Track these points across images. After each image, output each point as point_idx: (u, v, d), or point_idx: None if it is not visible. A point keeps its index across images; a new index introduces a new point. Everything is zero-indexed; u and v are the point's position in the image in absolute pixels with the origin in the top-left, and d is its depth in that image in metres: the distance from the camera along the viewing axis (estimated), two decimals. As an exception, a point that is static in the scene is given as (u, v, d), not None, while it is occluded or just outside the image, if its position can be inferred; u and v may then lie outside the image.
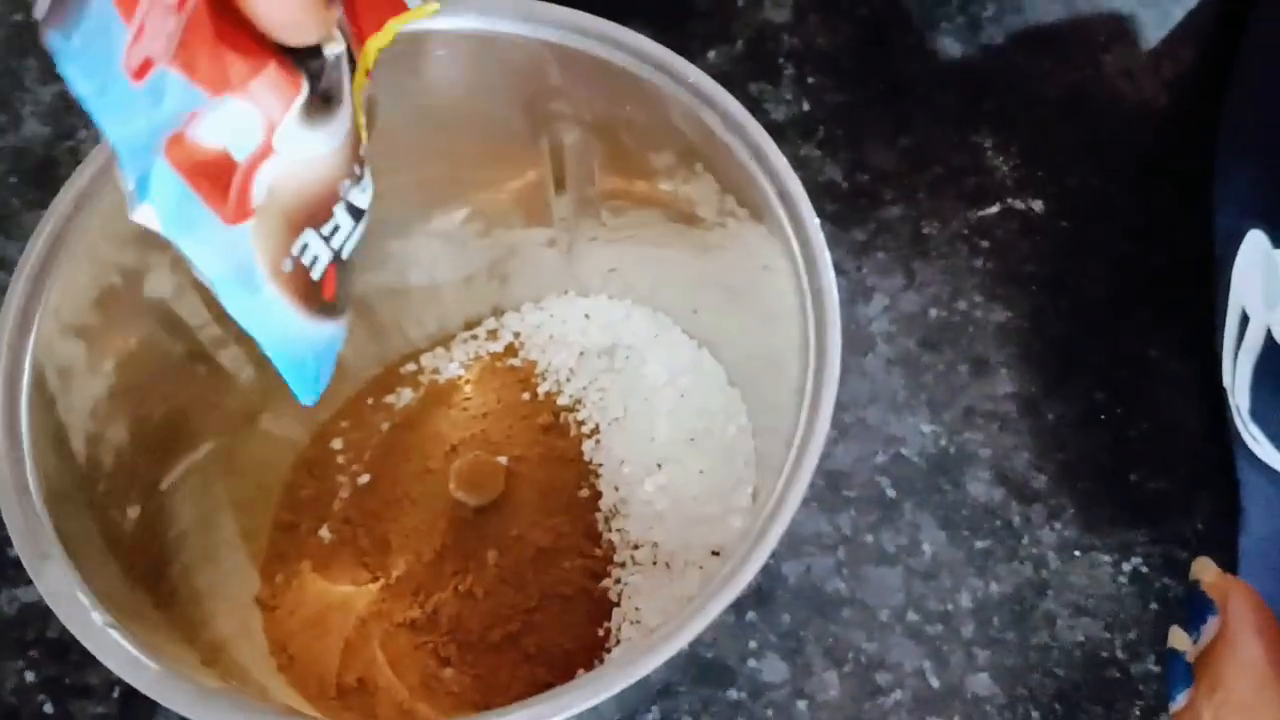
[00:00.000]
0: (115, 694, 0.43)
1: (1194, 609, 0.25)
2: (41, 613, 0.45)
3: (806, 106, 0.55)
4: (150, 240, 0.33)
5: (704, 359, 0.41)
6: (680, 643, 0.26)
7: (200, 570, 0.37)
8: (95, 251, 0.32)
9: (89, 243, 0.32)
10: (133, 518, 0.34)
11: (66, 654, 0.44)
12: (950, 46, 0.57)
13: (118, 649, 0.27)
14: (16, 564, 0.45)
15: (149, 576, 0.35)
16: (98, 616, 0.27)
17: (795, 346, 0.31)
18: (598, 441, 0.40)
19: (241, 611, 0.38)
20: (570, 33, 0.33)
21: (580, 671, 0.36)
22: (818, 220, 0.31)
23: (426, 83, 0.35)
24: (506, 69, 0.34)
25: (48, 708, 0.43)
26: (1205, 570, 0.26)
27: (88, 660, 0.42)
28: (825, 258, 0.30)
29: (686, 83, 0.32)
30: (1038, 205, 0.53)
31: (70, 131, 0.55)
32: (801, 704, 0.43)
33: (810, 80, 0.56)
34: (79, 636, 0.27)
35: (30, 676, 0.44)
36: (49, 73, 0.56)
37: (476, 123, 0.37)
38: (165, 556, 0.36)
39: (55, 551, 0.28)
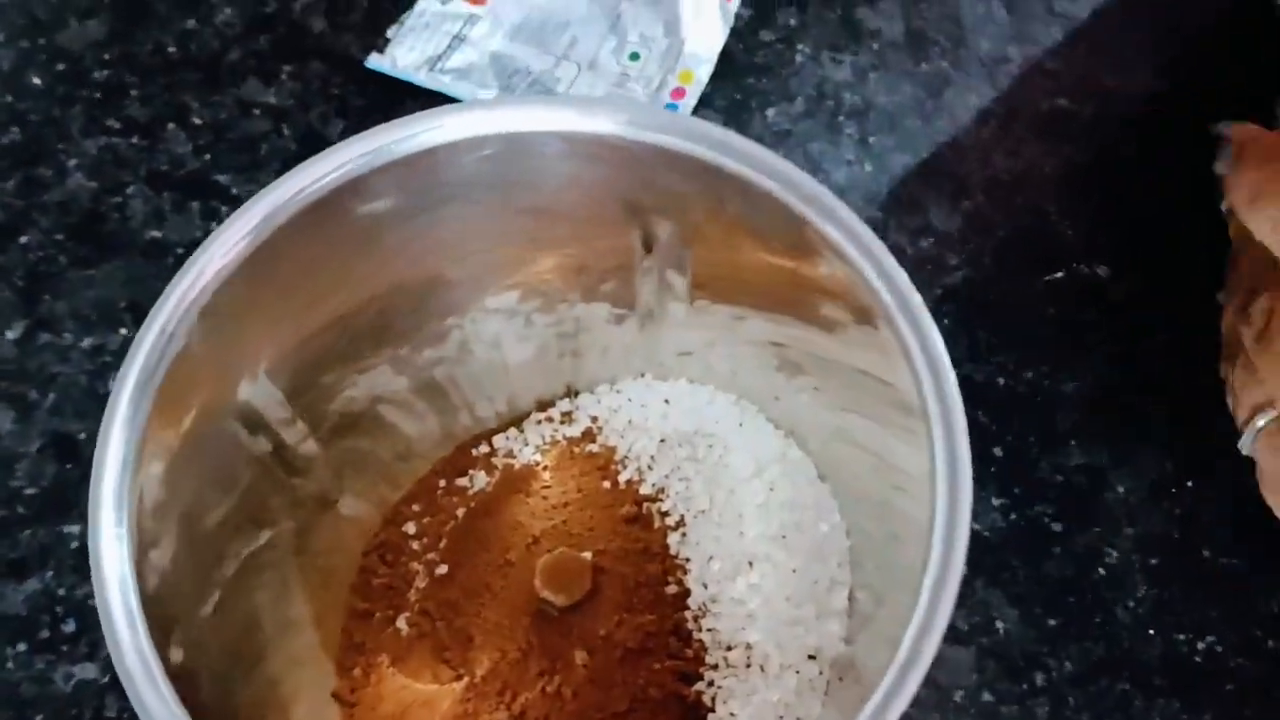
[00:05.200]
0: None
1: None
2: (97, 691, 0.44)
3: (868, 167, 0.55)
4: (243, 349, 0.33)
5: (791, 450, 0.41)
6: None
7: (273, 659, 0.37)
8: (192, 363, 0.31)
9: (188, 359, 0.31)
10: (211, 604, 0.33)
11: (124, 734, 0.43)
12: (1012, 106, 0.56)
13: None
14: (73, 640, 0.45)
15: (226, 665, 0.34)
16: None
17: (903, 447, 0.31)
18: (683, 535, 0.39)
19: (319, 708, 0.37)
20: (677, 137, 0.32)
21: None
22: (938, 334, 0.31)
23: (531, 175, 0.34)
24: (610, 166, 0.34)
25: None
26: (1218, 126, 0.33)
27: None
28: (950, 374, 0.29)
29: (799, 190, 0.31)
30: (1103, 270, 0.52)
31: (116, 186, 0.54)
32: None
33: (871, 140, 0.55)
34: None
35: (88, 758, 0.43)
36: (93, 124, 0.55)
37: (567, 209, 0.36)
38: (239, 644, 0.36)
39: (156, 669, 0.27)
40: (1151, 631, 0.45)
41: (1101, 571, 0.46)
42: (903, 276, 0.30)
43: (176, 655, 0.29)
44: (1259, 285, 0.30)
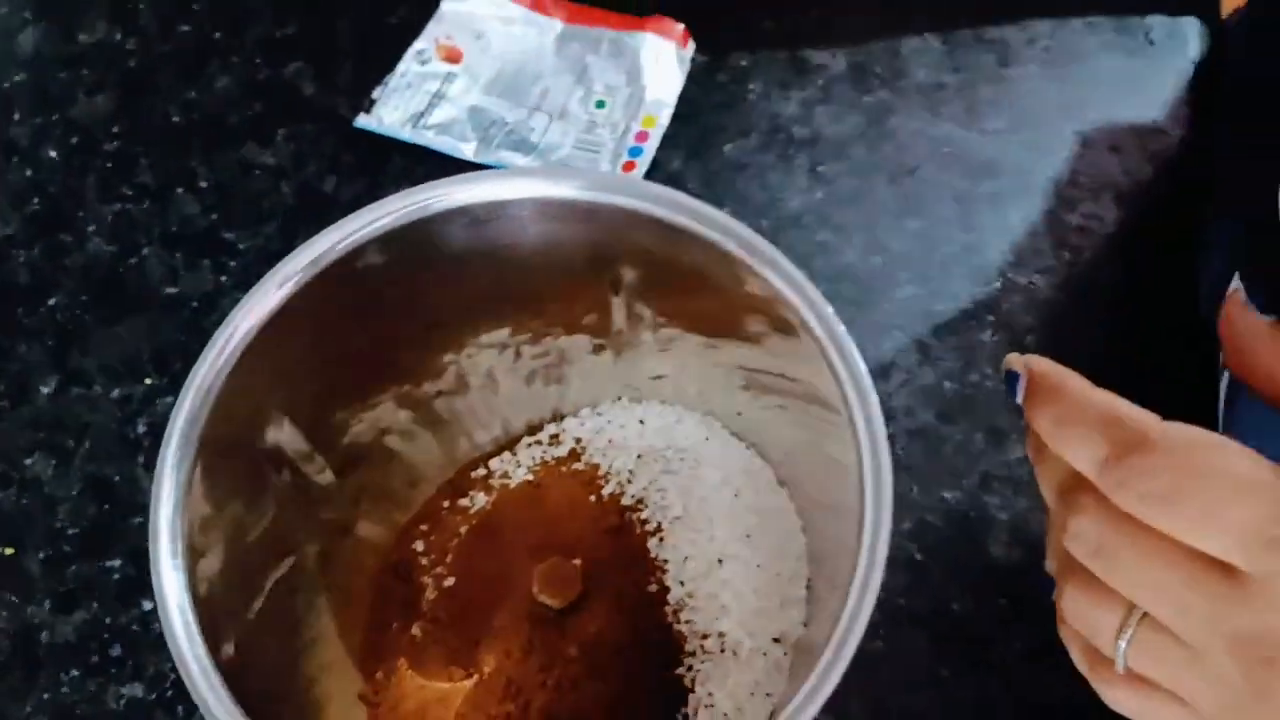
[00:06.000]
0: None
1: (1010, 384, 0.32)
2: (146, 708, 0.49)
3: (820, 194, 0.60)
4: (268, 397, 0.38)
5: (753, 460, 0.46)
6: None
7: (307, 665, 0.42)
8: (227, 413, 0.36)
9: (223, 409, 0.36)
10: (253, 612, 0.38)
11: (172, 747, 0.48)
12: (950, 131, 0.61)
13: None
14: (120, 663, 0.49)
15: (268, 669, 0.39)
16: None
17: (843, 451, 0.36)
18: (661, 539, 0.44)
19: (348, 707, 0.42)
20: (638, 200, 0.37)
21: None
22: (854, 346, 0.36)
23: (511, 235, 0.39)
24: (576, 224, 0.39)
25: (164, 801, 0.47)
26: (1008, 358, 0.32)
27: (195, 754, 0.46)
28: (866, 380, 0.35)
29: (738, 238, 0.36)
30: (1038, 280, 0.57)
31: (133, 247, 0.59)
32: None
33: (821, 168, 0.60)
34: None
35: (141, 770, 0.48)
36: (108, 191, 0.60)
37: (543, 260, 0.41)
38: (278, 653, 0.41)
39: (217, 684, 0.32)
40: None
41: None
42: (817, 295, 0.35)
43: (228, 655, 0.34)
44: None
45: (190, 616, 0.33)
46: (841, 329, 0.35)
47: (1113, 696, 0.30)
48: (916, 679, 0.49)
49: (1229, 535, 0.26)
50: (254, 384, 0.37)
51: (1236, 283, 0.45)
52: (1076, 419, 0.29)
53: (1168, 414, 0.53)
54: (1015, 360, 0.32)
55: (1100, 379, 0.54)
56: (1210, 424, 0.50)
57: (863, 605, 0.31)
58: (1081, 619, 0.30)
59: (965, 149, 0.61)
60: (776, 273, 0.37)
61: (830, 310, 0.37)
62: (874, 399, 0.34)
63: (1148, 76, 0.63)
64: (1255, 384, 0.38)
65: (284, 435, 0.39)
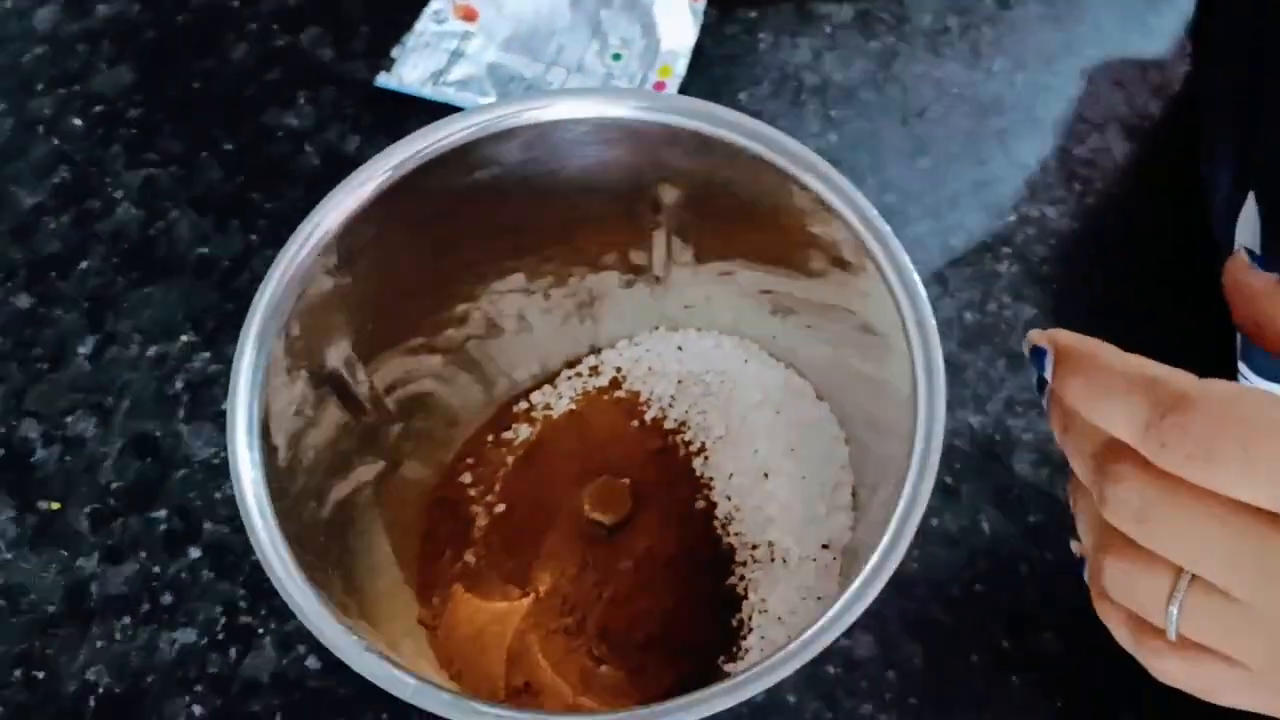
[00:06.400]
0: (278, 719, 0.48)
1: (1035, 360, 0.31)
2: (200, 651, 0.50)
3: (833, 137, 0.61)
4: (332, 327, 0.39)
5: (792, 378, 0.47)
6: (841, 628, 0.31)
7: (370, 590, 0.43)
8: (294, 336, 0.37)
9: (287, 330, 0.37)
10: (322, 517, 0.39)
11: (227, 688, 0.49)
12: (956, 72, 0.63)
13: (379, 666, 0.32)
14: (171, 610, 0.50)
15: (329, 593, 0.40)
16: (357, 640, 0.32)
17: (889, 366, 0.37)
18: (705, 458, 0.46)
19: (410, 631, 0.43)
20: (681, 115, 0.39)
21: (721, 659, 0.42)
22: (915, 274, 0.37)
23: (552, 157, 0.40)
24: (622, 145, 0.40)
25: (219, 738, 0.48)
26: (1030, 335, 0.31)
27: (248, 692, 0.48)
28: (922, 293, 0.36)
29: (785, 150, 0.38)
30: (1051, 211, 0.59)
31: (161, 212, 0.60)
32: (890, 674, 0.49)
33: (833, 113, 0.62)
34: (347, 659, 0.32)
35: (198, 710, 0.49)
36: (134, 158, 0.61)
37: (586, 186, 0.42)
38: (344, 574, 0.42)
39: (312, 594, 0.33)
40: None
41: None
42: (884, 225, 0.37)
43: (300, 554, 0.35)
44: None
45: (264, 494, 0.34)
46: (906, 260, 0.36)
47: (1162, 668, 0.30)
48: (951, 594, 0.50)
49: (1277, 484, 0.26)
50: (325, 296, 0.38)
51: (1239, 243, 0.46)
52: (1112, 385, 0.28)
53: (1187, 341, 0.55)
54: (1038, 335, 0.31)
55: (1117, 306, 0.56)
56: (1228, 352, 0.51)
57: (910, 516, 0.32)
58: (1127, 591, 0.29)
59: (971, 89, 0.62)
60: (839, 196, 0.38)
61: (897, 243, 0.38)
62: (933, 329, 0.35)
63: (1148, 13, 0.64)
64: (1267, 344, 0.39)
65: (342, 360, 0.40)
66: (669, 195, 0.42)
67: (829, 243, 0.39)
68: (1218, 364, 0.54)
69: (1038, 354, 0.31)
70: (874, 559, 0.32)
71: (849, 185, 0.37)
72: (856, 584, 0.32)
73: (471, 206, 0.41)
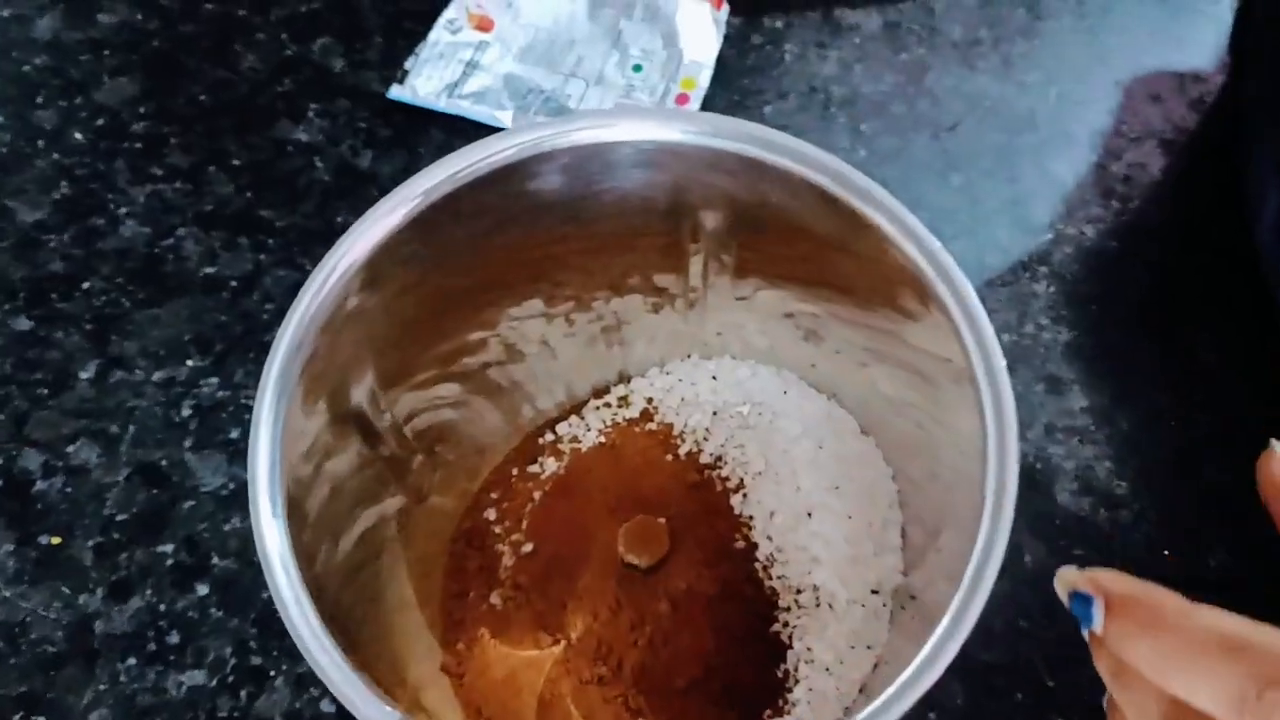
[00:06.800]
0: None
1: (1077, 608, 0.27)
2: (209, 694, 0.48)
3: (863, 152, 0.59)
4: (355, 360, 0.37)
5: (834, 410, 0.45)
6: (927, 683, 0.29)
7: (394, 633, 0.41)
8: (317, 374, 0.35)
9: (311, 369, 0.35)
10: (342, 561, 0.37)
11: (239, 730, 0.47)
12: (987, 85, 0.61)
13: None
14: (179, 650, 0.48)
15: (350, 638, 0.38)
16: (364, 685, 0.30)
17: (945, 403, 0.35)
18: (744, 495, 0.44)
19: (432, 677, 0.41)
20: (724, 139, 0.36)
21: (767, 712, 0.40)
22: (976, 297, 0.35)
23: (593, 180, 0.38)
24: (668, 168, 0.38)
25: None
26: (1066, 577, 0.28)
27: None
28: (991, 335, 0.34)
29: (846, 182, 0.35)
30: (1089, 230, 0.57)
31: (168, 229, 0.58)
32: (932, 715, 0.47)
33: (863, 127, 0.60)
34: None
35: (209, 755, 0.46)
36: (139, 173, 0.59)
37: (617, 211, 0.40)
38: (366, 614, 0.39)
39: (325, 638, 0.31)
40: (1166, 552, 0.50)
41: (1114, 501, 0.50)
42: (954, 266, 0.34)
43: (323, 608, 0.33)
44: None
45: (290, 561, 0.32)
46: (977, 303, 0.33)
47: None
48: (993, 630, 0.48)
49: None
50: (349, 327, 0.36)
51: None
52: (1191, 652, 0.25)
53: (1231, 361, 0.53)
54: (1079, 580, 0.27)
55: (1158, 328, 0.54)
56: (1270, 365, 0.50)
57: (985, 573, 0.30)
58: None
59: (1003, 103, 0.60)
60: (904, 233, 0.36)
61: (970, 288, 0.36)
62: (1001, 364, 0.33)
63: (1183, 25, 0.62)
64: None
65: (365, 394, 0.38)
66: (711, 220, 0.40)
67: (886, 275, 0.37)
68: (1266, 388, 0.52)
69: (1081, 602, 0.27)
70: (946, 621, 0.29)
71: (912, 218, 0.35)
72: (927, 650, 0.30)
73: (505, 230, 0.39)
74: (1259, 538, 0.49)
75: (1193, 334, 0.53)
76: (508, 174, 0.37)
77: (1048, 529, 0.50)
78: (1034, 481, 0.51)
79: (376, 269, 0.36)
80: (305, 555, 0.34)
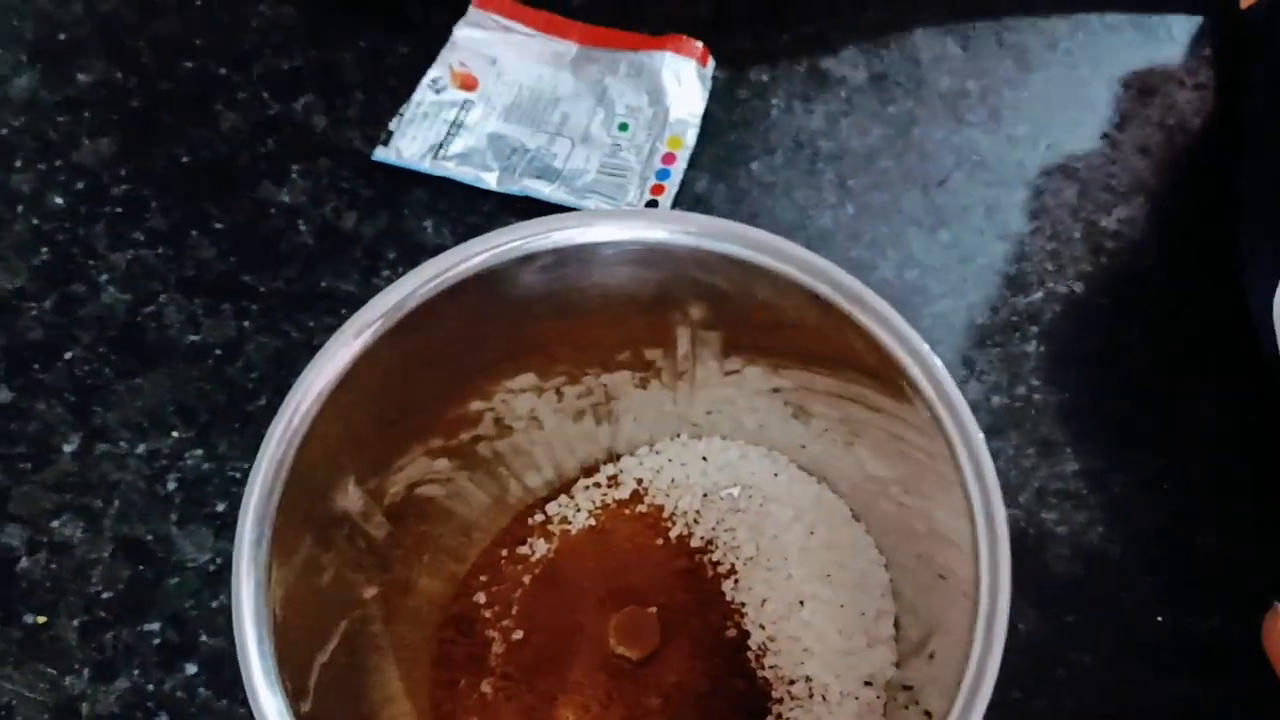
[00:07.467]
0: None
1: None
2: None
3: (850, 209, 0.59)
4: (336, 459, 0.36)
5: (825, 494, 0.45)
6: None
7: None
8: (300, 479, 0.35)
9: (298, 471, 0.34)
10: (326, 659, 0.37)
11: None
12: (976, 139, 0.61)
13: None
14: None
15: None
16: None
17: (936, 498, 0.34)
18: (735, 582, 0.43)
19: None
20: (709, 238, 0.36)
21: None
22: (955, 386, 0.35)
23: (578, 278, 0.38)
24: (651, 266, 0.37)
25: None
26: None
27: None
28: (980, 442, 0.33)
29: (832, 281, 0.35)
30: (1078, 287, 0.56)
31: (149, 296, 0.57)
32: (926, 790, 0.47)
33: (850, 183, 0.59)
34: None
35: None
36: (119, 238, 0.58)
37: (602, 305, 0.40)
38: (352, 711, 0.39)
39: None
40: (1160, 619, 0.49)
41: (1108, 567, 0.50)
42: (941, 367, 0.34)
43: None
44: None
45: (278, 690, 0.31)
46: (965, 409, 0.33)
47: None
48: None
49: None
50: (325, 448, 0.35)
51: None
52: None
53: (1222, 413, 0.52)
54: None
55: (1152, 389, 0.53)
56: (1266, 427, 0.49)
57: (980, 687, 0.29)
58: None
59: (992, 156, 0.60)
60: (890, 332, 0.35)
61: (958, 394, 0.35)
62: (990, 470, 0.33)
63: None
64: None
65: (350, 498, 0.38)
66: (698, 310, 0.40)
67: (873, 372, 0.36)
68: (1261, 451, 0.52)
69: None
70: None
71: (900, 319, 0.34)
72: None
73: (487, 328, 0.38)
74: (1253, 603, 0.49)
75: (1187, 394, 0.53)
76: (488, 277, 0.36)
77: (1041, 596, 0.50)
78: (1026, 548, 0.51)
79: (350, 383, 0.35)
80: (291, 671, 0.33)
